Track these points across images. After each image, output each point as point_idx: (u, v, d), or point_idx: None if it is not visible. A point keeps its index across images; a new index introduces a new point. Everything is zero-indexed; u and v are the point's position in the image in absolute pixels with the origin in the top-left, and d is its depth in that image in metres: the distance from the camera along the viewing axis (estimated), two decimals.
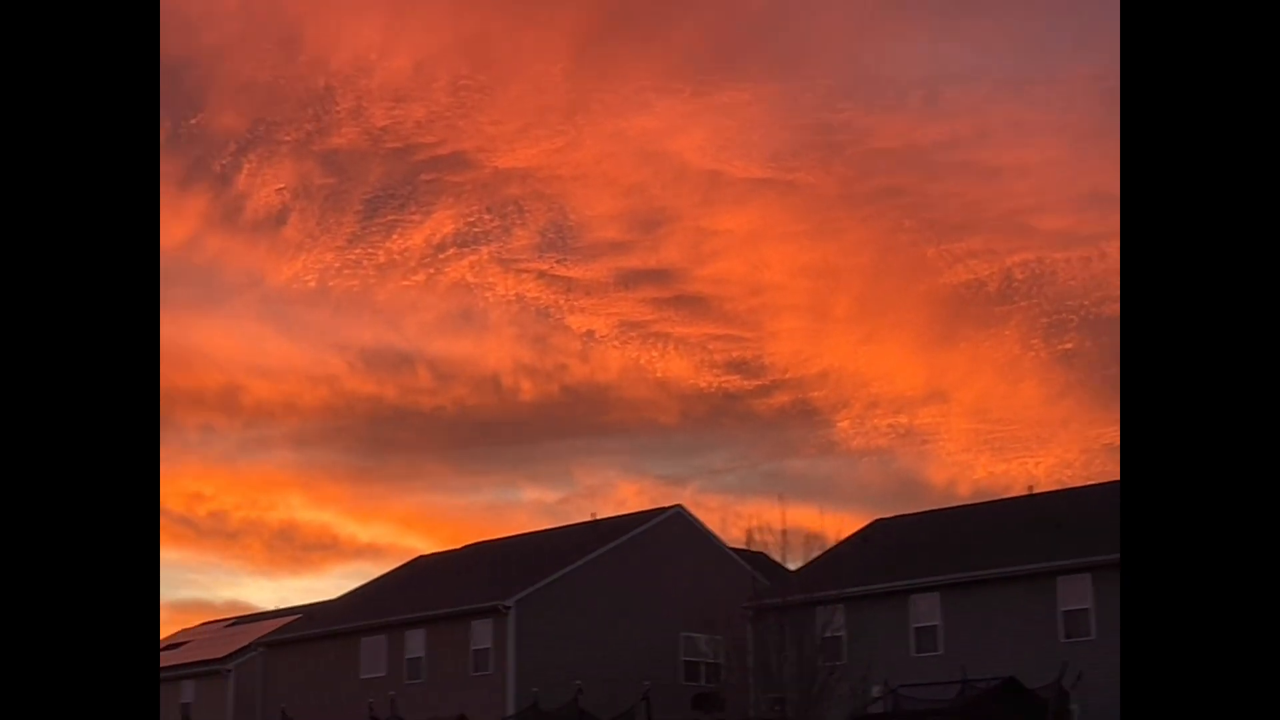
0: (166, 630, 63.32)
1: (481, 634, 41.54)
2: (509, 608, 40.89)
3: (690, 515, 45.82)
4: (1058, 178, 70.94)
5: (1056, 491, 41.62)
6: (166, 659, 54.83)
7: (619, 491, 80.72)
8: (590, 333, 72.60)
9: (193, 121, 75.30)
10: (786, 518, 49.60)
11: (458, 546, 52.67)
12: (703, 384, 72.37)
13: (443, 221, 69.77)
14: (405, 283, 73.90)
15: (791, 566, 41.42)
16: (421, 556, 53.07)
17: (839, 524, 53.54)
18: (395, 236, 70.71)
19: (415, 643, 43.26)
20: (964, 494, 73.10)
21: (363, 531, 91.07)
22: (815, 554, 40.39)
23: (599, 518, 47.60)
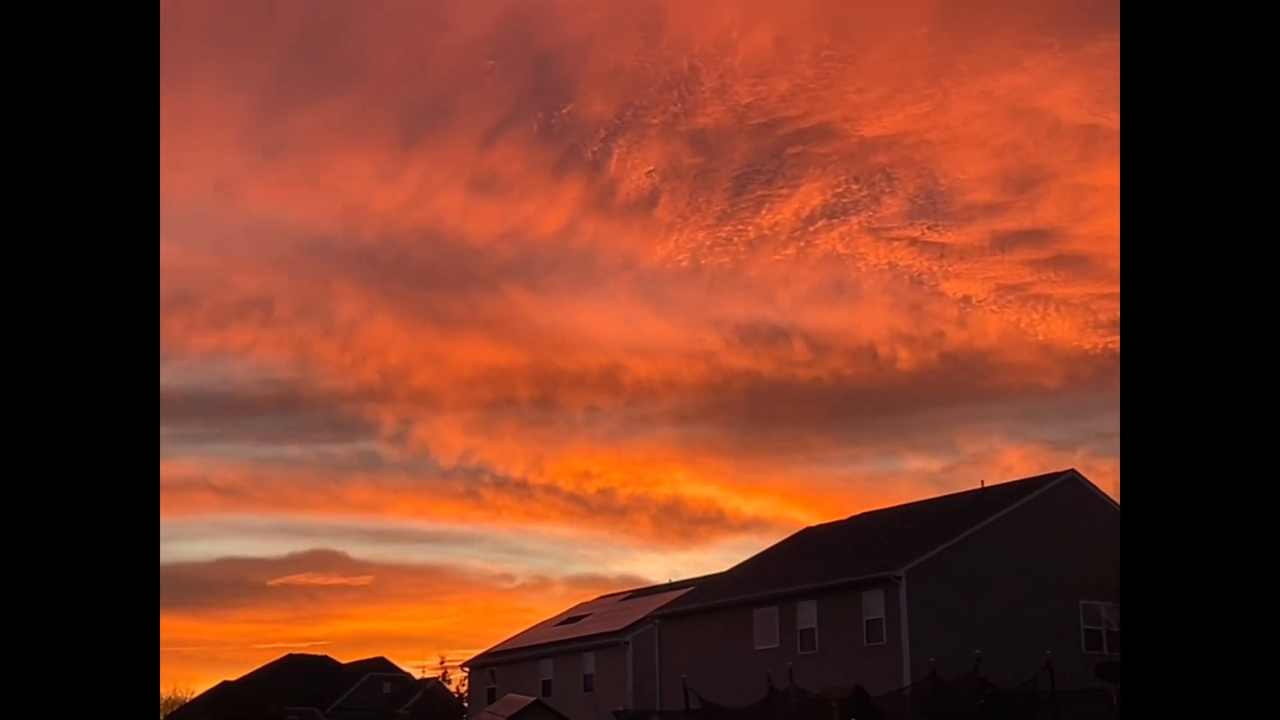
0: (567, 603, 65.63)
1: (873, 604, 41.40)
2: (900, 578, 40.62)
3: (1084, 480, 44.52)
4: None
5: None
6: (568, 631, 56.88)
7: (1004, 458, 79.21)
8: (967, 298, 71.38)
9: (564, 111, 77.45)
10: None
11: (843, 518, 52.65)
12: (1087, 345, 70.27)
13: (811, 194, 69.74)
14: (776, 257, 74.25)
15: None
16: (809, 528, 53.27)
17: None
18: (764, 211, 71.08)
19: (807, 614, 43.43)
20: None
21: (747, 505, 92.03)
22: None
23: (988, 485, 46.80)
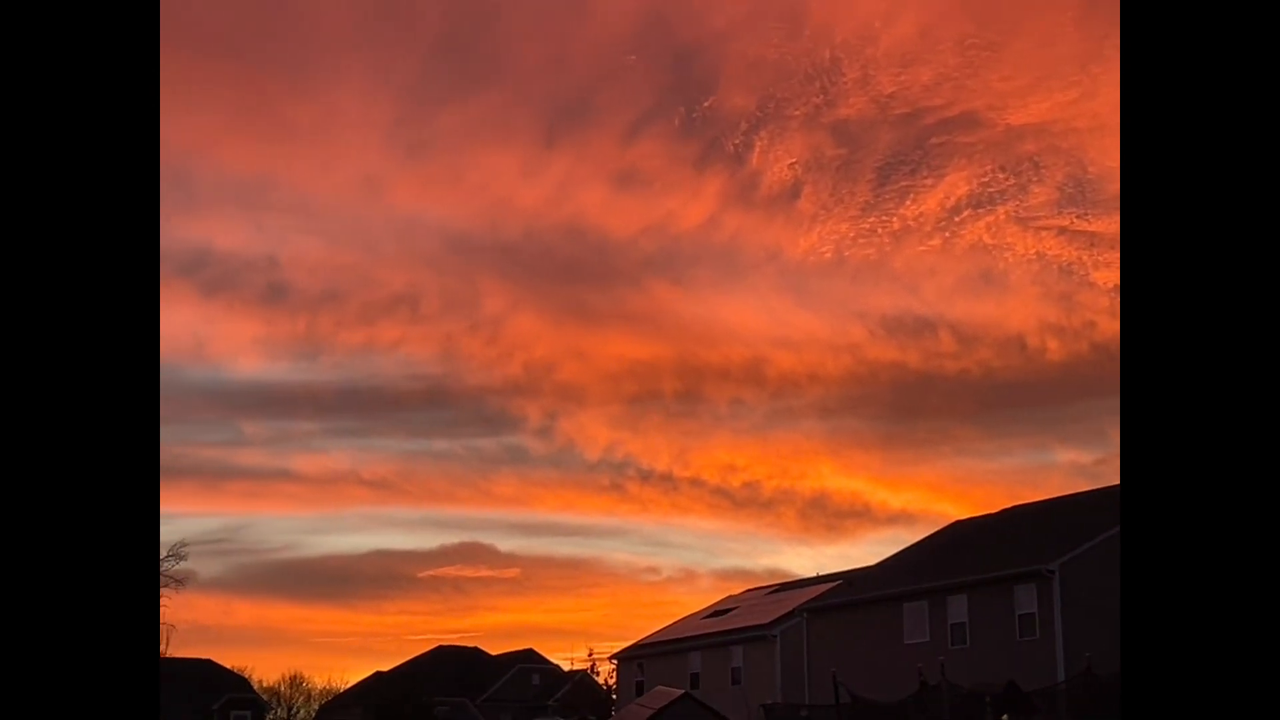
0: (713, 597, 65.63)
1: (1025, 598, 40.88)
2: (1053, 571, 40.04)
3: None
4: None
5: None
6: (716, 625, 56.92)
7: None
8: (1118, 287, 70.05)
9: (705, 105, 77.39)
10: None
11: (992, 511, 52.04)
12: None
13: (956, 184, 69.01)
14: (921, 248, 73.58)
15: None
16: (958, 521, 52.74)
17: None
18: (909, 202, 70.47)
19: (957, 608, 42.98)
20: None
21: (894, 498, 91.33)
22: None
23: None
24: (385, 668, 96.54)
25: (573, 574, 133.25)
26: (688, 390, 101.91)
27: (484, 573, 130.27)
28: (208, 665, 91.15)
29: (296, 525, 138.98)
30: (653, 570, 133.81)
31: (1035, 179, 69.94)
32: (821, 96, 74.67)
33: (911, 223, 73.02)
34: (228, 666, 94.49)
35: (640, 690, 54.93)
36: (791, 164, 75.65)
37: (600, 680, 74.84)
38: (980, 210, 69.23)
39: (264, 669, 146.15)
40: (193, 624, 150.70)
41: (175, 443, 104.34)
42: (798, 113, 75.63)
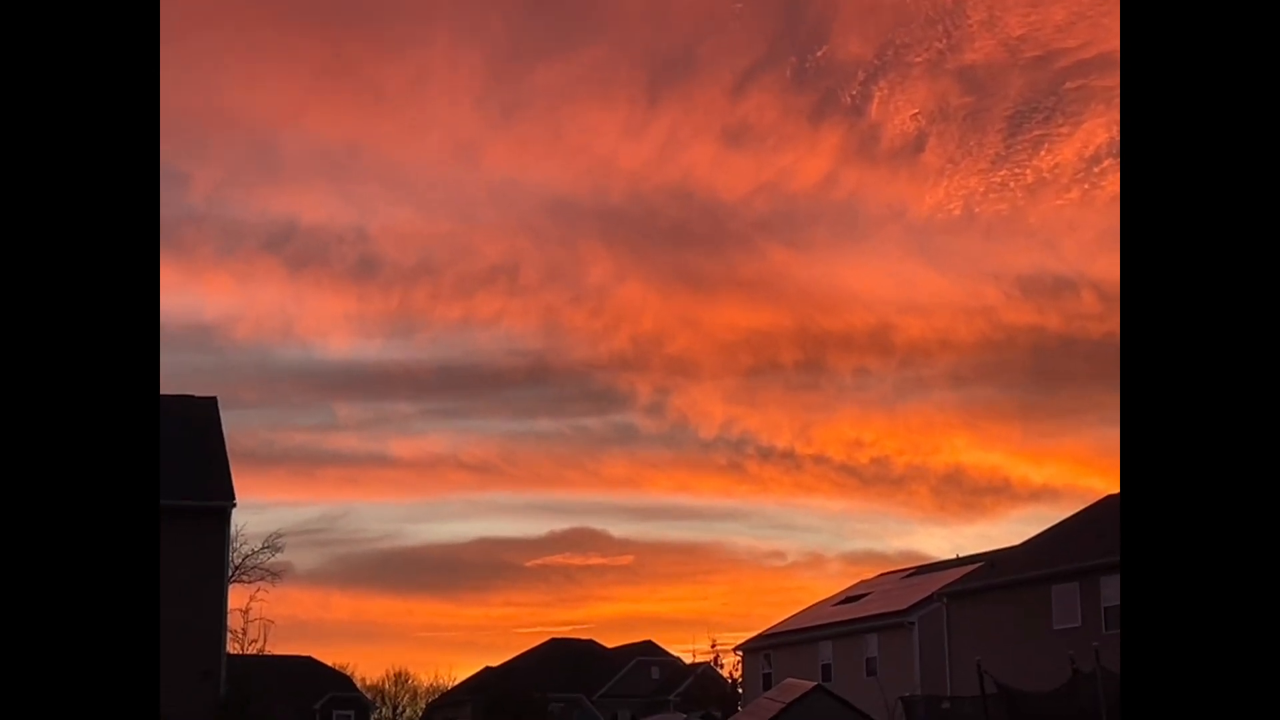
0: (844, 582, 62.58)
1: None
2: None
3: None
4: None
5: None
6: (848, 612, 54.27)
7: None
8: None
9: (819, 54, 73.80)
10: None
11: None
12: None
13: (1094, 131, 65.14)
14: (1058, 201, 69.81)
15: None
16: (1110, 496, 49.26)
17: None
18: (1043, 152, 66.68)
19: (1111, 590, 40.11)
20: None
21: (1035, 472, 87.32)
22: None
23: None
24: (494, 663, 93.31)
25: (690, 560, 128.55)
26: (809, 361, 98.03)
27: (596, 560, 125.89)
28: (307, 663, 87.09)
29: (396, 513, 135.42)
30: (777, 554, 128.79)
31: None
32: (945, 41, 71.07)
33: (1047, 175, 69.37)
34: (328, 664, 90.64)
35: (768, 683, 52.39)
36: (914, 115, 72.23)
37: (724, 673, 71.72)
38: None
39: (366, 666, 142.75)
40: (291, 619, 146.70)
41: (267, 427, 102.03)
42: (919, 59, 72.11)
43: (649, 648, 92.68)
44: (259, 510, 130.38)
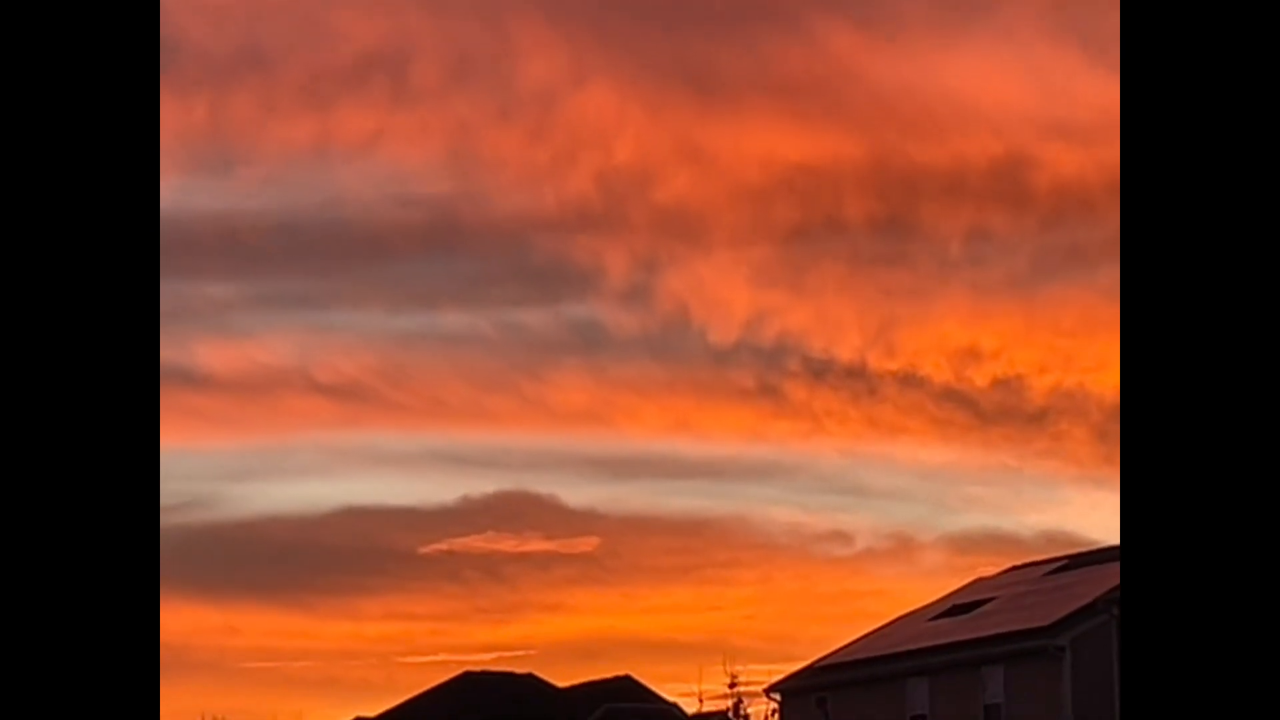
0: (948, 581, 43.46)
1: None
2: None
3: None
4: None
5: None
6: (955, 630, 39.86)
7: None
8: None
9: None
10: None
11: None
12: None
13: None
14: None
15: None
16: None
17: None
18: None
19: None
20: None
21: None
22: None
23: None
24: (370, 712, 53.38)
25: (694, 545, 57.79)
26: (890, 217, 60.10)
27: (538, 545, 67.00)
28: None
29: (203, 466, 73.06)
30: (839, 537, 61.73)
31: None
32: None
33: None
34: None
35: None
36: None
37: None
38: None
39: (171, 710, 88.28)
40: None
41: None
42: None
43: (625, 688, 48.07)
44: None
